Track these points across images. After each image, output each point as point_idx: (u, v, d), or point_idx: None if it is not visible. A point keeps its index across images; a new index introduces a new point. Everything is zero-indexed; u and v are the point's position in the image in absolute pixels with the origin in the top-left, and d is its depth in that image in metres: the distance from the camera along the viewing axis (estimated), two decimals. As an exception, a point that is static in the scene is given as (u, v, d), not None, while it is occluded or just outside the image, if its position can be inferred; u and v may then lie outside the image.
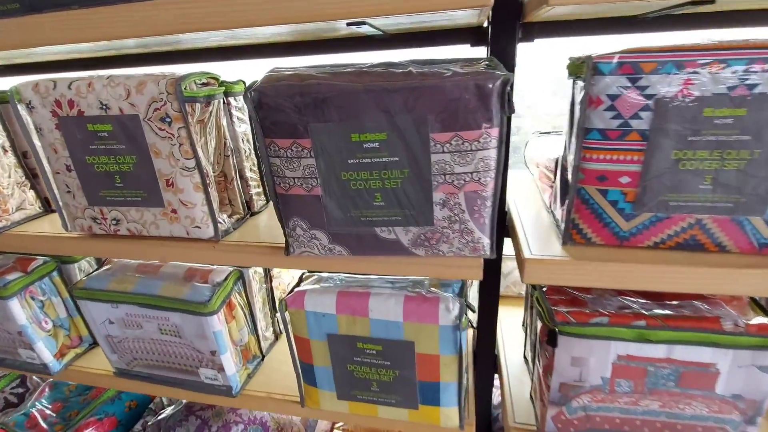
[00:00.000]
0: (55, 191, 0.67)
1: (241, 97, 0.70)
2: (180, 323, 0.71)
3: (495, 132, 0.45)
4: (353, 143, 0.47)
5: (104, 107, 0.58)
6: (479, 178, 0.48)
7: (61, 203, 0.67)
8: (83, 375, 0.89)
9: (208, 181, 0.61)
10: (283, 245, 0.59)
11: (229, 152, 0.67)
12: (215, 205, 0.63)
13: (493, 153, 0.47)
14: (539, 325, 0.64)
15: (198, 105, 0.59)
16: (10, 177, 0.76)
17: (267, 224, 0.70)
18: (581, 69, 0.49)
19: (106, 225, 0.66)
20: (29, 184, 0.79)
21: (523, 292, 1.00)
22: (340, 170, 0.49)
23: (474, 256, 0.54)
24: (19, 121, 0.62)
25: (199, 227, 0.63)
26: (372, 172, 0.48)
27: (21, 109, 0.62)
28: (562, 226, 0.57)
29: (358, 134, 0.46)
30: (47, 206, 0.82)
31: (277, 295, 0.94)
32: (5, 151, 0.75)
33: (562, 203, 0.62)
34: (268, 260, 0.62)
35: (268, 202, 0.78)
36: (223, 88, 0.64)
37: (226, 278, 0.72)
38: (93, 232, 0.67)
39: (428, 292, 0.62)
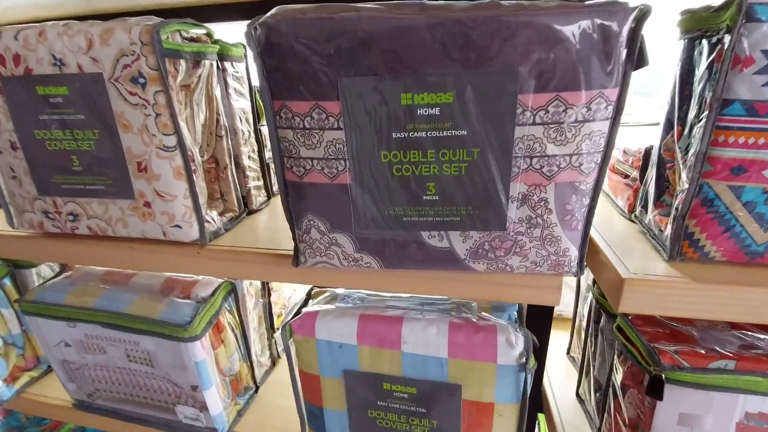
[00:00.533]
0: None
1: (241, 65, 0.56)
2: (153, 349, 0.56)
3: (614, 95, 0.31)
4: (403, 108, 0.32)
5: (58, 63, 0.43)
6: (580, 164, 0.33)
7: (5, 192, 0.52)
8: (37, 405, 0.73)
9: (193, 167, 0.47)
10: (291, 253, 0.44)
11: (223, 132, 0.53)
12: (202, 199, 0.49)
13: (605, 126, 0.32)
14: (620, 362, 0.49)
15: (183, 63, 0.44)
16: None
17: (268, 226, 0.56)
18: (716, 20, 0.35)
19: (60, 221, 0.51)
20: None
21: (565, 313, 0.86)
22: (379, 148, 0.34)
23: (553, 274, 0.40)
24: (-54, 80, 0.47)
25: (180, 226, 0.48)
26: (426, 152, 0.34)
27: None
28: (667, 235, 0.42)
29: (412, 95, 0.32)
30: None
31: (276, 311, 0.79)
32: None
33: (658, 205, 0.47)
34: (269, 272, 0.47)
35: (269, 198, 0.64)
36: (218, 47, 0.49)
37: (214, 293, 0.57)
38: (45, 229, 0.52)
39: (479, 318, 0.47)
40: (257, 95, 0.60)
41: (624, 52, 0.30)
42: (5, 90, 0.46)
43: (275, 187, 0.65)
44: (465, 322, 0.47)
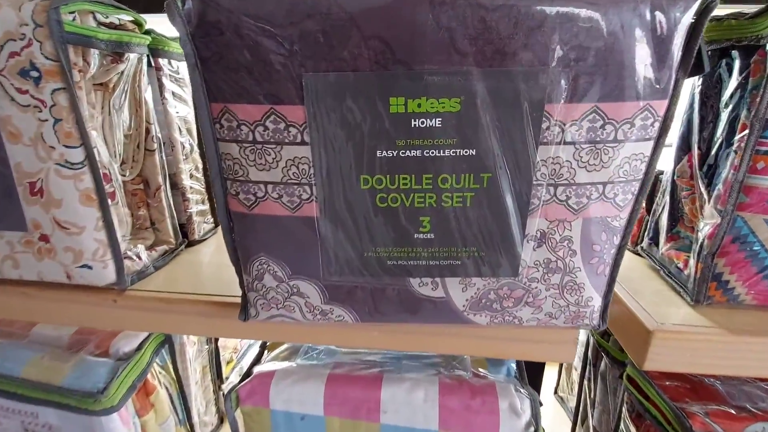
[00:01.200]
0: None
1: (182, 64, 0.46)
2: (57, 424, 0.43)
3: (662, 108, 0.24)
4: (392, 118, 0.24)
5: None
6: (614, 195, 0.26)
7: None
8: None
9: (110, 189, 0.36)
10: (239, 300, 0.34)
11: (155, 145, 0.42)
12: (122, 230, 0.38)
13: (647, 149, 0.25)
14: (632, 419, 0.42)
15: (96, 54, 0.34)
16: None
17: (213, 261, 0.45)
18: (751, 28, 0.30)
19: None
20: None
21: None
22: (359, 171, 0.26)
23: (570, 327, 0.32)
24: None
25: (90, 266, 0.36)
26: (421, 178, 0.26)
27: None
28: (689, 274, 0.36)
29: (405, 100, 0.23)
30: None
31: (226, 356, 0.67)
32: None
33: (671, 238, 0.42)
34: (211, 326, 0.37)
35: (217, 226, 0.53)
36: (149, 38, 0.39)
37: (140, 346, 0.45)
38: None
39: (474, 375, 0.39)
40: (203, 102, 0.49)
41: (679, 55, 0.23)
42: None
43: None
44: (458, 383, 0.38)
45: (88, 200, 0.35)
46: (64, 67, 0.31)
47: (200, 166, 0.49)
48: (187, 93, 0.47)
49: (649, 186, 0.27)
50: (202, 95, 0.25)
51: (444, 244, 0.28)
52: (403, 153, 0.25)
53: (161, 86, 0.43)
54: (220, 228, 0.53)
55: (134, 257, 0.40)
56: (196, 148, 0.48)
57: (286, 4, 0.22)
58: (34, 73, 0.31)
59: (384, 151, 0.25)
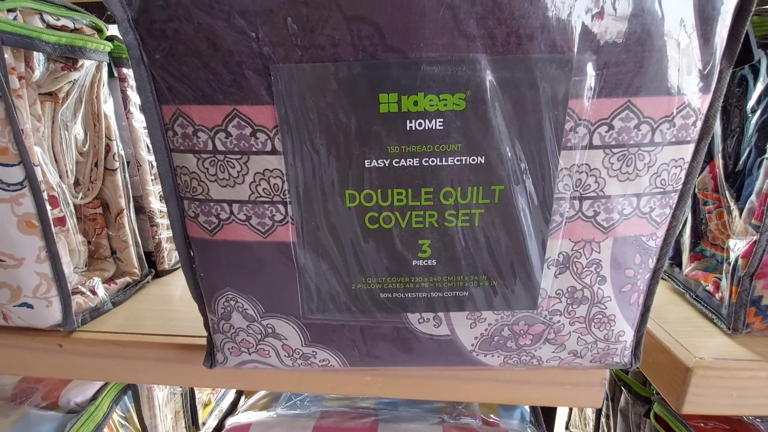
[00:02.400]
0: None
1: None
2: (-9, 492, 0.36)
3: (705, 104, 0.20)
4: (383, 118, 0.19)
5: None
6: (651, 209, 0.22)
7: None
8: None
9: (60, 213, 0.31)
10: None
11: (117, 164, 0.37)
12: (73, 261, 0.32)
13: (687, 153, 0.21)
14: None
15: (41, 59, 0.29)
16: None
17: (185, 295, 0.40)
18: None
19: None
20: None
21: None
22: (343, 186, 0.21)
23: (598, 367, 0.27)
24: None
25: (31, 305, 0.31)
26: (419, 192, 0.21)
27: None
28: (723, 298, 0.32)
29: (399, 96, 0.19)
30: None
31: (204, 398, 0.60)
32: None
33: (694, 257, 0.37)
34: (174, 374, 0.31)
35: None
36: (110, 45, 0.35)
37: (96, 396, 0.39)
38: None
39: (484, 422, 0.34)
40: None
41: (724, 41, 0.19)
42: None
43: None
44: (463, 430, 0.32)
45: (28, 227, 0.30)
46: (3, 75, 0.27)
47: (171, 187, 0.45)
48: (157, 107, 0.42)
49: (689, 198, 0.23)
50: (150, 95, 0.20)
51: (448, 272, 0.23)
52: (396, 162, 0.20)
53: (125, 98, 0.38)
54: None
55: (88, 292, 0.34)
56: (166, 167, 0.44)
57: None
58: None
59: (374, 161, 0.21)
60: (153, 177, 0.42)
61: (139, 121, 0.40)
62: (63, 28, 0.31)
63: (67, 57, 0.31)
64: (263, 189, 0.21)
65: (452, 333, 0.25)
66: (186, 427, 0.55)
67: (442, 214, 0.22)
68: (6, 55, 0.27)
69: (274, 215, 0.22)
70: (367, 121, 0.20)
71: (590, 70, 0.19)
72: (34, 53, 0.29)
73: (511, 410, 0.36)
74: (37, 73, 0.30)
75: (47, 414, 0.37)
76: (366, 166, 0.21)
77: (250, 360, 0.27)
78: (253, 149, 0.21)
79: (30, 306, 0.31)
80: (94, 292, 0.35)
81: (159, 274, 0.43)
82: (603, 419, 0.51)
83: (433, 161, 0.20)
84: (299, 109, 0.20)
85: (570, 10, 0.17)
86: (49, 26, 0.30)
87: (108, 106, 0.36)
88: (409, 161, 0.21)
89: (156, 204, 0.42)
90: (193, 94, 0.20)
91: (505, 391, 0.29)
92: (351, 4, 0.18)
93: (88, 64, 0.34)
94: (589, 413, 0.57)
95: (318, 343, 0.26)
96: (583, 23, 0.18)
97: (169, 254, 0.44)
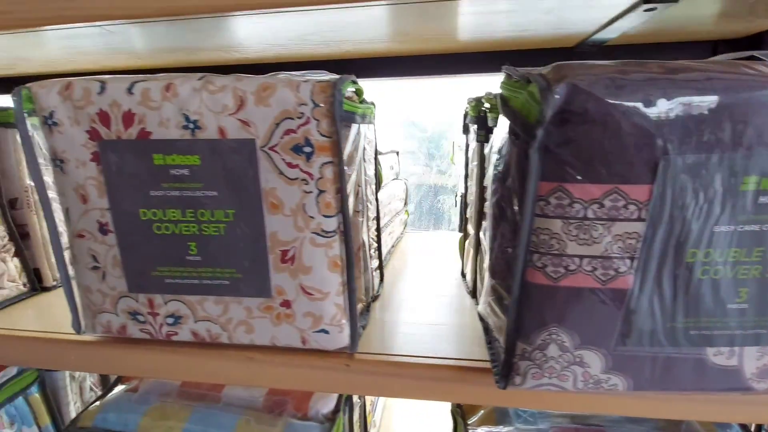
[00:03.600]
0: (68, 266, 0.40)
1: (370, 127, 0.47)
2: (259, 489, 0.42)
3: None
4: (743, 195, 0.24)
5: (191, 126, 0.33)
6: None
7: (77, 288, 0.40)
8: None
9: (369, 253, 0.36)
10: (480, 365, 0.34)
11: (360, 207, 0.43)
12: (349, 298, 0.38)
13: None
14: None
15: (354, 128, 0.35)
16: (-15, 238, 0.48)
17: (435, 321, 0.45)
18: None
19: (154, 325, 0.39)
20: (13, 250, 0.51)
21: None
22: (686, 245, 0.26)
23: None
24: (25, 145, 0.36)
25: (327, 331, 0.37)
26: (752, 251, 0.25)
27: (31, 125, 0.36)
28: None
29: (759, 178, 0.24)
30: (37, 282, 0.53)
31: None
32: (-17, 198, 0.48)
33: None
34: (447, 392, 0.36)
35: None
36: (372, 107, 0.41)
37: (338, 408, 0.44)
38: (126, 334, 0.40)
39: (711, 440, 0.37)
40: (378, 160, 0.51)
41: None
42: (104, 158, 0.35)
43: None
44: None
45: (335, 266, 0.36)
46: (337, 143, 0.33)
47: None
48: (371, 153, 0.48)
49: None
50: (534, 175, 0.26)
51: (759, 314, 0.27)
52: (741, 228, 0.25)
53: (364, 152, 0.44)
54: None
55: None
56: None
57: (659, 91, 0.23)
58: (307, 149, 0.33)
59: (721, 226, 0.25)
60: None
61: (369, 167, 0.46)
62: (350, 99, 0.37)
63: (360, 123, 0.37)
64: (617, 247, 0.26)
65: (740, 364, 0.29)
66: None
67: (767, 268, 0.26)
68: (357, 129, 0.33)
69: (619, 267, 0.27)
70: (730, 197, 0.24)
71: None
72: (352, 125, 0.35)
73: (726, 428, 0.39)
74: (350, 140, 0.35)
75: (306, 424, 0.42)
76: (714, 230, 0.25)
77: (548, 383, 0.32)
78: (621, 217, 0.25)
79: (326, 332, 0.37)
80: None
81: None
82: None
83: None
84: (673, 189, 0.24)
85: None
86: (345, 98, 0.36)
87: (365, 162, 0.42)
88: (752, 227, 0.25)
89: (369, 240, 0.48)
90: (580, 176, 0.25)
91: (759, 412, 0.32)
92: (739, 112, 0.22)
93: (361, 128, 0.39)
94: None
95: (616, 371, 0.30)
96: None
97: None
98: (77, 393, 0.59)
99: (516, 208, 0.29)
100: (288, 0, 0.35)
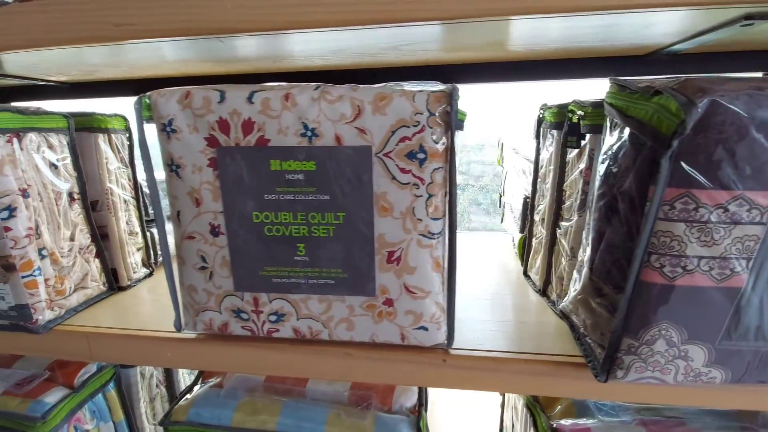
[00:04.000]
0: (174, 268, 0.41)
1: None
2: (350, 480, 0.44)
3: None
4: None
5: (309, 134, 0.35)
6: None
7: (181, 288, 0.42)
8: None
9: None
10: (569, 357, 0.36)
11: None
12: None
13: None
14: None
15: (460, 135, 0.37)
16: (73, 240, 0.49)
17: (537, 320, 0.47)
18: None
19: (257, 322, 0.40)
20: (95, 250, 0.52)
21: None
22: (804, 247, 0.28)
23: None
24: (143, 151, 0.38)
25: (426, 328, 0.39)
26: None
27: (150, 130, 0.38)
28: None
29: None
30: (114, 282, 0.55)
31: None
32: (72, 199, 0.49)
33: None
34: (546, 386, 0.38)
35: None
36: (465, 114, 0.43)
37: (421, 401, 0.46)
38: (227, 332, 0.41)
39: (788, 430, 0.39)
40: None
41: None
42: (221, 163, 0.37)
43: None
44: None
45: (437, 267, 0.38)
46: (450, 150, 0.34)
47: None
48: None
49: None
50: (663, 180, 0.27)
51: None
52: None
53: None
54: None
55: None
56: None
57: (789, 106, 0.25)
58: (421, 155, 0.35)
59: (835, 229, 0.27)
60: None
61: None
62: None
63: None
64: (735, 249, 0.28)
65: (836, 357, 0.32)
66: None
67: None
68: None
69: (734, 267, 0.29)
70: None
71: None
72: (459, 131, 0.37)
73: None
74: (458, 145, 0.37)
75: (395, 417, 0.44)
76: (827, 233, 0.27)
77: (649, 377, 0.34)
78: (743, 221, 0.27)
79: (426, 329, 0.39)
80: (443, 316, 0.42)
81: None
82: None
83: None
84: (796, 194, 0.26)
85: None
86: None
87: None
88: None
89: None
90: (709, 183, 0.27)
91: None
92: None
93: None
94: None
95: (717, 364, 0.32)
96: None
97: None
98: (146, 390, 0.60)
99: (630, 211, 0.31)
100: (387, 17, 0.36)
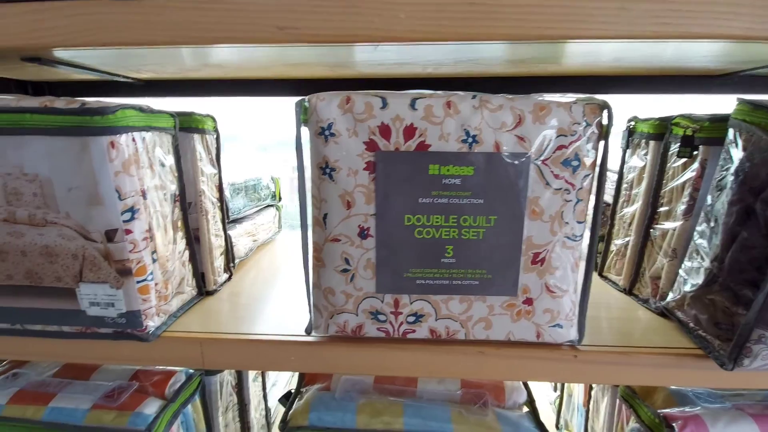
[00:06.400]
0: (310, 271, 0.41)
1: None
2: (470, 476, 0.45)
3: None
4: None
5: (470, 140, 0.37)
6: None
7: (316, 291, 0.41)
8: None
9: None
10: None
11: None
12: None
13: None
14: None
15: (602, 143, 0.40)
16: (175, 243, 0.47)
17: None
18: None
19: (393, 324, 0.41)
20: (188, 254, 0.51)
21: None
22: None
23: None
24: (298, 154, 0.38)
25: (561, 326, 0.41)
26: None
27: (306, 133, 0.38)
28: None
29: None
30: (203, 286, 0.53)
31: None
32: (174, 201, 0.48)
33: None
34: (660, 376, 0.41)
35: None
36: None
37: (529, 397, 0.48)
38: (361, 333, 0.42)
39: None
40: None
41: None
42: (379, 167, 0.37)
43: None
44: None
45: (576, 266, 0.40)
46: (603, 157, 0.37)
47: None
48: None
49: None
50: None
51: None
52: None
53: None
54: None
55: (565, 314, 0.44)
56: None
57: None
58: (575, 163, 0.37)
59: None
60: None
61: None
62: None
63: (587, 138, 0.42)
64: None
65: None
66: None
67: None
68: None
69: None
70: None
71: None
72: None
73: None
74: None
75: (514, 413, 0.46)
76: None
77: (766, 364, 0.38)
78: None
79: (560, 326, 0.41)
80: (561, 314, 0.45)
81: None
82: None
83: None
84: None
85: None
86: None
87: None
88: None
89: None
90: None
91: None
92: None
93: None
94: None
95: (834, 351, 0.37)
96: None
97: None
98: (224, 398, 0.59)
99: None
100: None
